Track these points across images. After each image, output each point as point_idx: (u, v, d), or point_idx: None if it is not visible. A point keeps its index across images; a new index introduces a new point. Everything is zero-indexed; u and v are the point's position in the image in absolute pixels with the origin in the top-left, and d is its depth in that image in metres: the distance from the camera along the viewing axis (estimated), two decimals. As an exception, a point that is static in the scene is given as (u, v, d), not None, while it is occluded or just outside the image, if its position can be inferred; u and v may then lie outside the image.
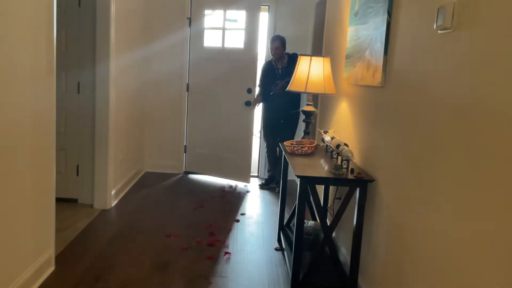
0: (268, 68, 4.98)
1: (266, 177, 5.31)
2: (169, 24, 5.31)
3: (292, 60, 4.76)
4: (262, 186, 5.17)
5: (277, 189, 4.97)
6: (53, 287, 2.62)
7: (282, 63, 4.86)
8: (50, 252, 2.78)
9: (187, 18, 5.31)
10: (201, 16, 5.32)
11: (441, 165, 1.68)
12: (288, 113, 4.88)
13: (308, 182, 2.50)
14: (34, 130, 2.49)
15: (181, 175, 5.52)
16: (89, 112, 3.98)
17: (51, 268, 2.80)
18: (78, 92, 4.00)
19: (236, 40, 5.28)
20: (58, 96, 3.84)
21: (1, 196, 2.17)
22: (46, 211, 2.73)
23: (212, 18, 5.40)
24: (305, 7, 5.28)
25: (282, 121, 4.95)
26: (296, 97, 4.85)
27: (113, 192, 4.19)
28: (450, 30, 1.66)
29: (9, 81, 2.20)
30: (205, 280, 2.84)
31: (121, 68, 4.25)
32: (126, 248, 3.25)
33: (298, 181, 2.54)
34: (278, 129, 4.97)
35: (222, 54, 5.28)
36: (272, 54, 4.86)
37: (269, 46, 4.90)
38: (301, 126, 3.52)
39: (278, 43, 4.79)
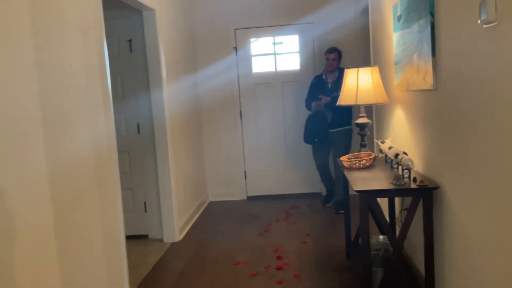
0: (318, 82, 4.84)
1: (325, 193, 5.18)
2: (216, 55, 5.47)
3: (340, 74, 4.65)
4: (324, 204, 5.09)
5: (339, 211, 4.69)
6: (131, 323, 2.71)
7: (334, 76, 4.73)
8: (125, 289, 2.89)
9: (233, 47, 5.44)
10: (247, 44, 5.46)
11: (504, 167, 1.58)
12: (337, 127, 4.73)
13: (369, 196, 2.43)
14: (98, 171, 2.64)
15: (244, 201, 5.57)
16: (150, 151, 4.15)
17: (128, 305, 2.91)
18: (139, 133, 4.19)
19: (286, 63, 5.52)
20: (120, 138, 4.05)
21: (75, 235, 2.31)
22: (117, 248, 2.85)
23: (258, 44, 5.52)
24: (348, 19, 5.24)
25: (332, 137, 4.76)
26: (346, 111, 4.68)
27: (180, 224, 4.30)
28: (496, 23, 1.58)
29: (72, 128, 2.36)
30: (276, 305, 2.81)
31: (175, 103, 4.41)
32: (197, 280, 3.30)
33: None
34: (328, 145, 4.83)
35: (275, 78, 5.47)
36: (326, 65, 4.74)
37: (325, 56, 4.75)
38: (358, 139, 3.45)
39: (335, 54, 4.68)
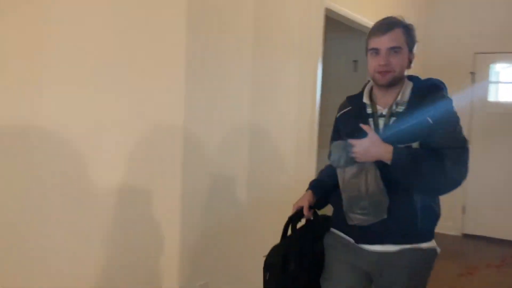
0: (351, 112, 1.81)
1: None
2: (449, 80, 5.19)
3: (421, 94, 1.72)
4: None
5: None
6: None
7: (392, 98, 1.72)
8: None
9: (470, 72, 5.11)
10: (485, 69, 5.10)
11: None
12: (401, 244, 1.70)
13: None
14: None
15: (458, 236, 5.14)
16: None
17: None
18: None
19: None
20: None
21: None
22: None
23: (500, 70, 5.11)
24: None
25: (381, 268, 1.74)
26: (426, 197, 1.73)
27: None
28: None
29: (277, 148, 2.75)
30: None
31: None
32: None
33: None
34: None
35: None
36: (373, 70, 1.72)
37: (368, 46, 1.76)
38: None
39: (397, 32, 1.66)
